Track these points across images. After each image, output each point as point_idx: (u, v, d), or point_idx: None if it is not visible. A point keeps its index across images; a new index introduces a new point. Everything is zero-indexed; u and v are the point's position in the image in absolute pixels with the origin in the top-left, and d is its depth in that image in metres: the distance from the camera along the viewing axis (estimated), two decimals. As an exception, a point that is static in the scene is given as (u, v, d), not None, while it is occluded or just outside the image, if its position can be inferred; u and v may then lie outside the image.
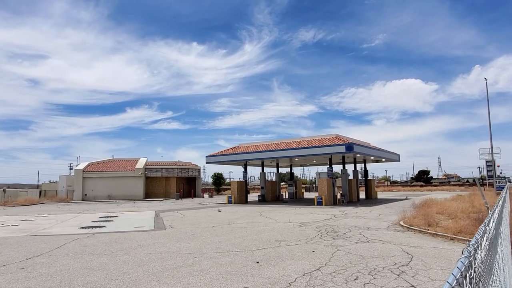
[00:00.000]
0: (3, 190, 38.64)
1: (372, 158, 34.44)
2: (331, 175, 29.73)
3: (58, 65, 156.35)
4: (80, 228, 15.67)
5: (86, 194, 42.43)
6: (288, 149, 30.92)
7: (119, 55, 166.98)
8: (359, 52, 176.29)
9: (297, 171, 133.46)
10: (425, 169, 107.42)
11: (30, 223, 18.15)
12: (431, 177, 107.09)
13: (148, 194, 45.38)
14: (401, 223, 14.73)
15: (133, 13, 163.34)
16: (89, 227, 15.79)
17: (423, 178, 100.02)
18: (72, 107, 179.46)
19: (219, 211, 24.15)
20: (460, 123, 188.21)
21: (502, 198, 6.39)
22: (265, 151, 32.52)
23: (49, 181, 53.53)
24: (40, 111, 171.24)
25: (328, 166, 30.73)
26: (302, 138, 33.33)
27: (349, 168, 37.58)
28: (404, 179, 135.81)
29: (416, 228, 13.05)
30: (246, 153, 33.63)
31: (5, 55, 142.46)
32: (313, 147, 29.31)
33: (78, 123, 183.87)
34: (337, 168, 46.61)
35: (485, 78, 28.95)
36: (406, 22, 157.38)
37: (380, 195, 45.10)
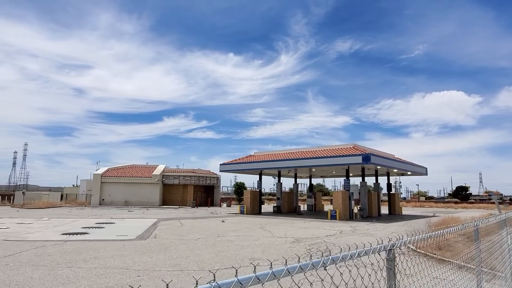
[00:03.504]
0: (22, 192, 39.49)
1: (395, 170, 32.00)
2: (347, 187, 27.72)
3: (101, 75, 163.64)
4: (62, 234, 14.89)
5: (103, 199, 42.57)
6: (302, 159, 29.28)
7: (158, 65, 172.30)
8: (397, 63, 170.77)
9: (328, 183, 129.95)
10: (464, 185, 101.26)
11: (21, 227, 17.68)
12: (470, 194, 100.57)
13: (165, 201, 44.92)
14: (409, 244, 12.77)
15: (173, 25, 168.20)
16: (71, 234, 14.99)
17: (461, 195, 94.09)
18: (113, 115, 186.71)
19: (222, 221, 22.88)
20: (505, 137, 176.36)
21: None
22: (280, 160, 31.04)
23: (73, 185, 54.65)
24: (83, 119, 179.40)
25: (345, 177, 28.71)
26: (319, 148, 31.56)
27: (370, 181, 35.36)
28: (442, 195, 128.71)
29: (422, 252, 11.14)
30: (261, 161, 32.29)
31: (54, 66, 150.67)
32: (329, 157, 27.50)
33: (117, 130, 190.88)
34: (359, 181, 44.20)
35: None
36: (447, 32, 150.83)
37: (408, 210, 42.12)
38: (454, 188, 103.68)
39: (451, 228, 3.28)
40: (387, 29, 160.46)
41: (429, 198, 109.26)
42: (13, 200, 42.39)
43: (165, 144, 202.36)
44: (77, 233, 15.20)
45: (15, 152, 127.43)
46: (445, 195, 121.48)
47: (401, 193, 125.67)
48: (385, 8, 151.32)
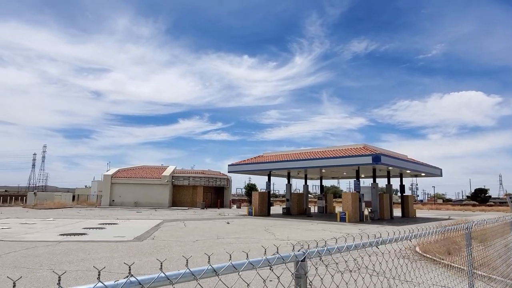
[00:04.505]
0: (34, 193, 39.90)
1: (408, 171, 30.96)
2: (357, 188, 26.90)
3: (118, 78, 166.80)
4: (60, 235, 14.66)
5: (113, 200, 42.65)
6: (311, 159, 28.59)
7: (174, 68, 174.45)
8: (414, 63, 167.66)
9: (343, 185, 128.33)
10: (483, 187, 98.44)
11: (23, 227, 17.60)
12: (489, 196, 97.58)
13: (175, 203, 44.75)
14: (417, 248, 12.05)
15: (188, 28, 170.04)
16: (69, 234, 14.74)
17: (480, 197, 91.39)
18: (129, 117, 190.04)
19: (227, 223, 22.41)
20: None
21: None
22: (288, 160, 30.40)
23: (85, 186, 55.19)
24: (101, 121, 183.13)
25: (355, 179, 27.90)
26: (328, 148, 30.80)
27: (383, 183, 34.40)
28: (460, 197, 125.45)
29: (430, 256, 10.41)
30: (269, 162, 31.71)
31: (73, 69, 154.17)
32: (338, 157, 26.74)
33: (134, 132, 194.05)
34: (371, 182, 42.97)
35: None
36: (466, 31, 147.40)
37: (423, 213, 40.82)
38: (472, 191, 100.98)
39: (422, 231, 2.69)
40: (404, 29, 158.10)
41: (447, 201, 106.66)
42: (25, 200, 42.93)
43: (180, 146, 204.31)
44: (75, 234, 14.95)
45: (34, 154, 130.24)
46: (464, 197, 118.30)
47: (418, 196, 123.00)
48: (402, 8, 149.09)
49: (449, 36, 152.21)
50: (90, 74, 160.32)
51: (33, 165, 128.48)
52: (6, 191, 77.54)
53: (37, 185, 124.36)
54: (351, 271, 8.72)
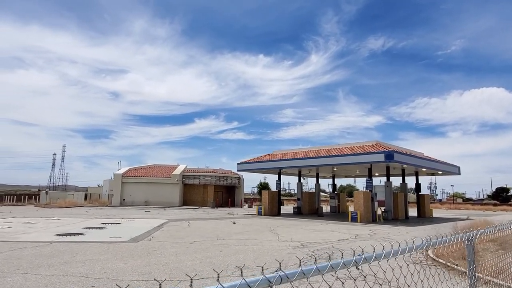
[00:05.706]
0: (45, 192, 40.12)
1: (424, 170, 29.67)
2: (370, 187, 25.81)
3: (135, 79, 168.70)
4: (56, 235, 14.26)
5: (124, 199, 42.54)
6: (322, 157, 27.62)
7: (190, 68, 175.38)
8: (433, 60, 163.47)
9: (360, 184, 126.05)
10: (504, 186, 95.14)
11: (24, 226, 17.34)
12: (511, 196, 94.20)
13: (186, 202, 44.37)
14: (429, 252, 11.08)
15: (204, 28, 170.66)
16: (66, 235, 14.32)
17: (501, 196, 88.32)
18: (146, 117, 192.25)
19: (233, 223, 21.74)
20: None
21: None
22: (299, 158, 29.53)
23: (98, 185, 55.48)
24: (119, 122, 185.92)
25: (367, 177, 26.80)
26: (339, 146, 29.75)
27: (402, 181, 33.05)
28: (481, 196, 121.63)
29: (443, 262, 9.47)
30: (279, 160, 30.92)
31: (92, 71, 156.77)
32: (349, 154, 25.71)
33: (151, 132, 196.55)
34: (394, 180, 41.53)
35: None
36: (486, 26, 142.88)
37: (441, 213, 39.28)
38: (493, 190, 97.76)
39: (407, 246, 1.92)
40: (422, 25, 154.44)
41: (467, 200, 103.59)
42: (38, 199, 43.31)
43: (196, 145, 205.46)
44: (72, 234, 14.52)
45: (54, 154, 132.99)
46: (484, 196, 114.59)
47: (436, 195, 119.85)
48: (420, 4, 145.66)
49: (469, 31, 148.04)
50: (108, 75, 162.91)
51: (53, 165, 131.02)
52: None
53: (57, 184, 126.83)
54: (356, 279, 7.86)
